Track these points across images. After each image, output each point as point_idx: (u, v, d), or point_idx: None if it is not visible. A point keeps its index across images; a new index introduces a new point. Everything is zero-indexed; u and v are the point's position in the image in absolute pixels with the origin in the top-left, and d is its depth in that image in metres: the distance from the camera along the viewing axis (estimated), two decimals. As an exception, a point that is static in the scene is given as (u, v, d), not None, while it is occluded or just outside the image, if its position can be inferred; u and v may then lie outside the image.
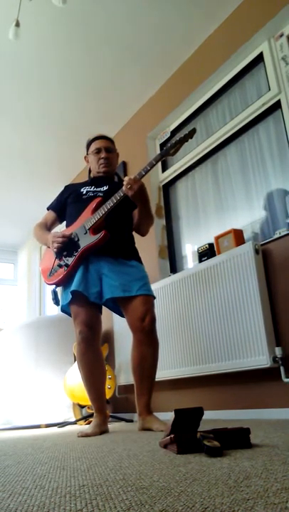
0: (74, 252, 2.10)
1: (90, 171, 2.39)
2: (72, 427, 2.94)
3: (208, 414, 2.47)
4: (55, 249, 2.13)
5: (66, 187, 2.43)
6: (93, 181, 2.31)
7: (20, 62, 3.14)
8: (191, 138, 2.02)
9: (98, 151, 2.30)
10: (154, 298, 2.11)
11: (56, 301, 2.22)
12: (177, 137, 2.02)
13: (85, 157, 2.41)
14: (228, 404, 2.43)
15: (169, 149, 2.02)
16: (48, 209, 2.43)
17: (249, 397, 2.31)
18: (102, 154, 2.29)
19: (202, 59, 3.07)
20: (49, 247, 2.24)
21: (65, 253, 2.13)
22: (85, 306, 2.07)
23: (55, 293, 2.21)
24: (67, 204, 2.33)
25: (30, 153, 4.26)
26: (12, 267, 6.68)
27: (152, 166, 2.01)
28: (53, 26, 2.85)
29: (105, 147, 2.31)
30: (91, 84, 3.44)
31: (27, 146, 4.15)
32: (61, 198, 2.37)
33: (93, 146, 2.33)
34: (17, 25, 2.40)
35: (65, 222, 2.38)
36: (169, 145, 2.03)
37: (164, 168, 3.49)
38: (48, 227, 2.36)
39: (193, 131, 2.01)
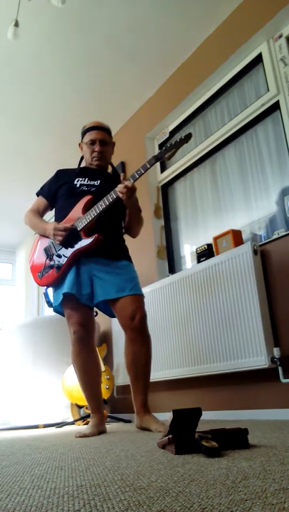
0: (66, 254, 2.08)
1: (81, 159, 2.31)
2: (70, 428, 2.93)
3: (206, 415, 2.47)
4: (57, 242, 2.11)
5: (58, 173, 2.33)
6: (87, 172, 2.25)
7: (19, 62, 3.14)
8: (187, 143, 1.97)
9: (92, 142, 2.22)
10: (144, 297, 2.11)
11: (49, 303, 2.21)
12: (172, 141, 1.98)
13: (79, 144, 2.31)
14: (226, 405, 2.43)
15: (163, 153, 1.98)
16: (38, 195, 2.35)
17: (247, 397, 2.32)
18: (96, 148, 2.21)
19: (201, 59, 3.07)
20: (43, 236, 2.21)
21: (56, 253, 2.11)
22: (78, 306, 2.07)
23: (47, 294, 2.20)
24: (58, 193, 2.26)
25: (28, 152, 4.26)
26: (10, 266, 6.68)
27: (146, 169, 1.98)
28: (52, 26, 2.85)
29: (100, 139, 2.21)
30: (90, 84, 3.44)
31: (25, 145, 4.15)
32: (54, 186, 2.29)
33: (88, 137, 2.23)
34: (16, 25, 2.40)
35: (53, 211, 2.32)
36: (164, 149, 1.99)
37: (163, 169, 3.49)
38: (40, 213, 2.31)
39: (188, 136, 1.95)
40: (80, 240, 2.07)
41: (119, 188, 1.99)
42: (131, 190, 1.99)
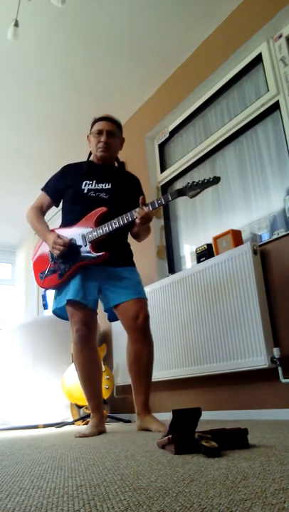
0: (70, 262, 2.08)
1: (89, 155, 2.28)
2: (70, 428, 2.93)
3: (206, 415, 2.47)
4: (55, 254, 2.11)
5: (64, 170, 2.28)
6: (94, 172, 2.21)
7: (19, 63, 3.14)
8: (214, 185, 1.94)
9: (99, 132, 2.18)
10: (147, 300, 2.13)
11: (46, 305, 2.19)
12: (199, 181, 1.93)
13: (87, 136, 2.28)
14: (225, 405, 2.43)
15: (188, 190, 1.94)
16: (42, 190, 2.31)
17: (247, 397, 2.32)
18: (103, 138, 2.17)
19: (201, 60, 3.07)
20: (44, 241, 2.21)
21: (61, 260, 2.11)
22: (81, 306, 2.07)
23: (44, 297, 2.20)
24: (65, 195, 2.23)
25: (28, 153, 4.25)
26: (10, 266, 6.68)
27: (167, 202, 1.97)
28: (52, 26, 2.85)
29: (108, 130, 2.17)
30: (89, 85, 3.43)
31: (25, 146, 4.14)
32: (60, 185, 2.25)
33: (95, 127, 2.20)
34: (16, 25, 2.40)
35: (55, 209, 2.31)
36: (189, 185, 1.95)
37: (163, 169, 3.49)
38: (43, 211, 2.28)
39: (217, 179, 1.92)
40: (87, 253, 2.05)
41: (138, 213, 1.96)
42: (149, 218, 1.98)
